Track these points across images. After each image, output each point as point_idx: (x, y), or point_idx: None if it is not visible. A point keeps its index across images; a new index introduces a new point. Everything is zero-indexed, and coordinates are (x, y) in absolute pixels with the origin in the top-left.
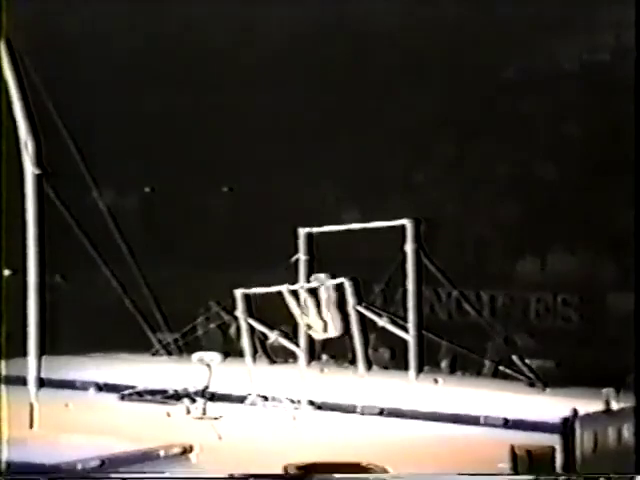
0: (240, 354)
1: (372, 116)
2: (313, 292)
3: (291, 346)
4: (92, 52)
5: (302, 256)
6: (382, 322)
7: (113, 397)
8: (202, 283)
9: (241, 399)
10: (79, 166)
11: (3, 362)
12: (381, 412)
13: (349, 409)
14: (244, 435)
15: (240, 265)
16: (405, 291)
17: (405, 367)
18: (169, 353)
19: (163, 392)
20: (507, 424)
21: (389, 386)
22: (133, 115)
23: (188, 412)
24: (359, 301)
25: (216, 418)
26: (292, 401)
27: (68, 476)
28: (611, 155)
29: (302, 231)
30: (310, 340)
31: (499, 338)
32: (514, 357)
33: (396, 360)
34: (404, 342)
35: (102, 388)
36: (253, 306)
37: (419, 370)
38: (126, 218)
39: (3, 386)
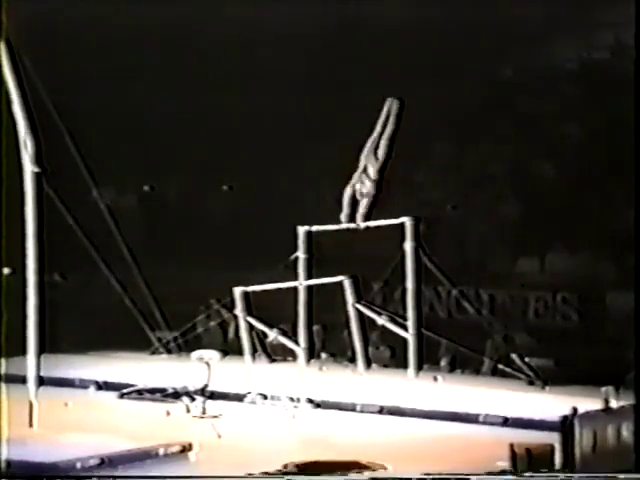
0: (240, 352)
1: (372, 116)
2: None
3: (290, 344)
4: (92, 51)
5: (301, 254)
6: (381, 320)
7: (113, 396)
8: (201, 282)
9: (240, 397)
10: (78, 165)
11: (3, 360)
12: (380, 410)
13: (348, 407)
14: (243, 433)
15: (239, 264)
16: (404, 289)
17: (404, 365)
18: (168, 351)
19: (162, 390)
20: (506, 422)
21: (388, 384)
22: (133, 114)
23: (187, 411)
24: (358, 299)
25: (215, 416)
26: (291, 399)
27: (67, 475)
28: (611, 155)
29: (301, 229)
30: (310, 338)
31: (498, 336)
32: (513, 355)
33: (396, 358)
34: (404, 340)
35: (102, 387)
36: (252, 304)
37: (418, 368)
38: (126, 217)
39: (3, 385)
